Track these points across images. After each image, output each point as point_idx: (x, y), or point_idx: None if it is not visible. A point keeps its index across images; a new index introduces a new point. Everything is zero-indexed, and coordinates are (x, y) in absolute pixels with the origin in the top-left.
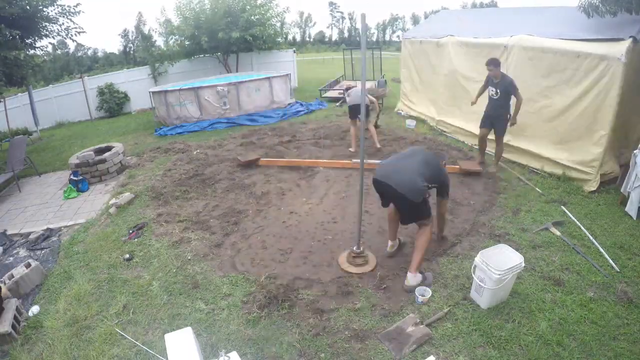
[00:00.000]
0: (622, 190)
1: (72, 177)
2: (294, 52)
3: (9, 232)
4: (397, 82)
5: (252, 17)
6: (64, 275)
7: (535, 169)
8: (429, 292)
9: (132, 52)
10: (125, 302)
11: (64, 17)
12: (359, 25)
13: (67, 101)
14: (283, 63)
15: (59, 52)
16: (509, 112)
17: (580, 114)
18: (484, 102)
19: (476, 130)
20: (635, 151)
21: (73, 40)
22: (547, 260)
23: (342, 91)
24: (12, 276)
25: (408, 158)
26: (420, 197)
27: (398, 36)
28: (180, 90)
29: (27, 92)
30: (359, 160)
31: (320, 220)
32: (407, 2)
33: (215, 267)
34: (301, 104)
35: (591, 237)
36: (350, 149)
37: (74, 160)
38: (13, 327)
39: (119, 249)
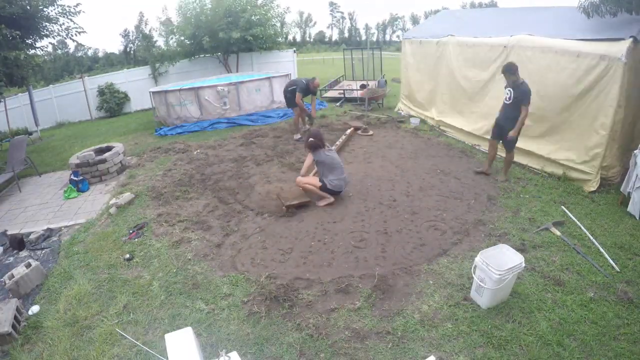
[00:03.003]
0: (622, 190)
1: (72, 177)
2: (294, 52)
3: (9, 232)
4: (397, 82)
5: (253, 17)
6: (64, 275)
7: (536, 169)
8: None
9: (132, 52)
10: (125, 302)
11: (64, 17)
12: (359, 25)
13: (67, 101)
14: (283, 63)
15: (59, 52)
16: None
17: (580, 114)
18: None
19: (475, 130)
20: (635, 151)
21: (73, 40)
22: (547, 260)
23: (342, 91)
24: (12, 276)
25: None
26: None
27: (398, 36)
28: (180, 90)
29: (27, 92)
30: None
31: (320, 221)
32: (407, 2)
33: (216, 267)
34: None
35: (591, 237)
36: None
37: (74, 160)
38: (13, 327)
39: (119, 249)
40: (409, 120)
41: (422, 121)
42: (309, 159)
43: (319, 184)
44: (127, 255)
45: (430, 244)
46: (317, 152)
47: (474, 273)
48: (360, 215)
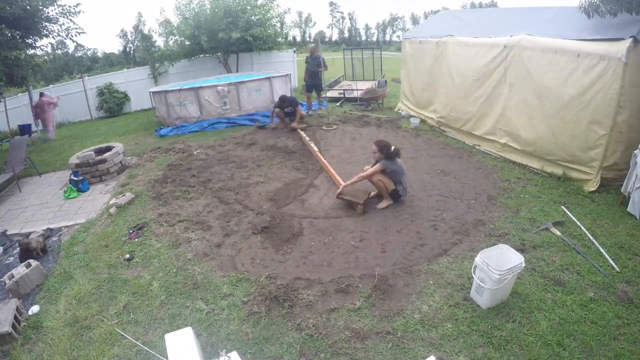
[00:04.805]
0: (622, 190)
1: (72, 177)
2: (294, 52)
3: (9, 232)
4: (397, 82)
5: (253, 18)
6: (64, 275)
7: (535, 169)
8: None
9: (132, 52)
10: (125, 302)
11: (64, 17)
12: (359, 25)
13: (67, 101)
14: (283, 63)
15: (58, 52)
16: None
17: (579, 114)
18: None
19: (475, 129)
20: (635, 151)
21: (73, 41)
22: (547, 260)
23: (342, 91)
24: (13, 276)
25: None
26: None
27: (398, 36)
28: (180, 90)
29: (27, 92)
30: None
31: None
32: (407, 2)
33: (216, 267)
34: (301, 104)
35: (591, 237)
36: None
37: (74, 160)
38: (13, 327)
39: (119, 249)
40: (409, 120)
41: (422, 121)
42: (377, 167)
43: (392, 187)
44: (127, 255)
45: (430, 244)
46: (392, 161)
47: (474, 273)
48: (360, 215)
